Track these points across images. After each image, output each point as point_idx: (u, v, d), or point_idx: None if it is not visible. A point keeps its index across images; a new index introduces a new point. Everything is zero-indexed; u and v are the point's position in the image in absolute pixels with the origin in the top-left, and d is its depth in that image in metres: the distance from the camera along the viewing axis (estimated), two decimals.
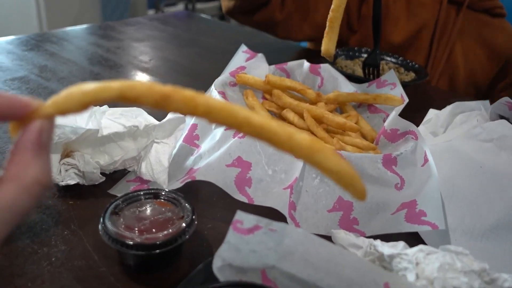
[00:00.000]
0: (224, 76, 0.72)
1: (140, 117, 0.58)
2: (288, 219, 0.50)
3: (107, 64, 0.97)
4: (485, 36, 1.19)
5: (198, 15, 1.52)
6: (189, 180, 0.53)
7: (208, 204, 0.56)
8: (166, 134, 0.61)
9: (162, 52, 1.09)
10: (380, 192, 0.54)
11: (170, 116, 0.60)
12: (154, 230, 0.43)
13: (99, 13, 2.85)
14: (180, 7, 4.60)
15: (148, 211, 0.45)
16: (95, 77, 0.89)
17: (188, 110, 0.25)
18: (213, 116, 0.26)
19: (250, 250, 0.35)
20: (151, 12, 3.84)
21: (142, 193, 0.47)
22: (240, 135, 0.55)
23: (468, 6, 1.15)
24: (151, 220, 0.44)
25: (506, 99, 0.76)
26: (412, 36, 1.16)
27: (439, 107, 0.79)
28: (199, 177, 0.53)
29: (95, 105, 0.47)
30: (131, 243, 0.41)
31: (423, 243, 0.51)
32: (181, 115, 0.61)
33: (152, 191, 0.48)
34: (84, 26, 1.25)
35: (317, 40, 1.21)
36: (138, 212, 0.45)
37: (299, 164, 0.53)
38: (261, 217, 0.35)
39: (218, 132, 0.58)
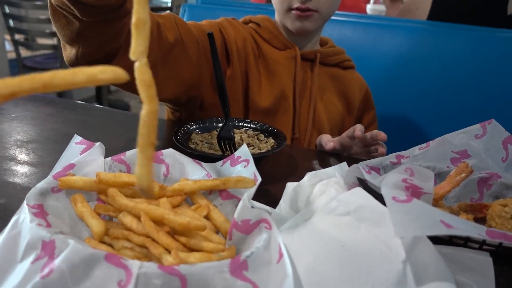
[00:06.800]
0: (45, 181, 0.59)
1: None
2: None
3: None
4: (340, 88, 1.22)
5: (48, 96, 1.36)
6: None
7: None
8: None
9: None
10: None
11: None
12: None
13: None
14: None
15: None
16: None
17: None
18: None
19: None
20: None
21: None
22: (45, 273, 0.43)
23: (320, 62, 1.17)
24: None
25: (364, 163, 0.74)
26: (277, 96, 1.13)
27: (303, 171, 0.73)
28: None
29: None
30: None
31: None
32: None
33: None
34: None
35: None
36: None
37: None
38: None
39: (23, 267, 0.45)
